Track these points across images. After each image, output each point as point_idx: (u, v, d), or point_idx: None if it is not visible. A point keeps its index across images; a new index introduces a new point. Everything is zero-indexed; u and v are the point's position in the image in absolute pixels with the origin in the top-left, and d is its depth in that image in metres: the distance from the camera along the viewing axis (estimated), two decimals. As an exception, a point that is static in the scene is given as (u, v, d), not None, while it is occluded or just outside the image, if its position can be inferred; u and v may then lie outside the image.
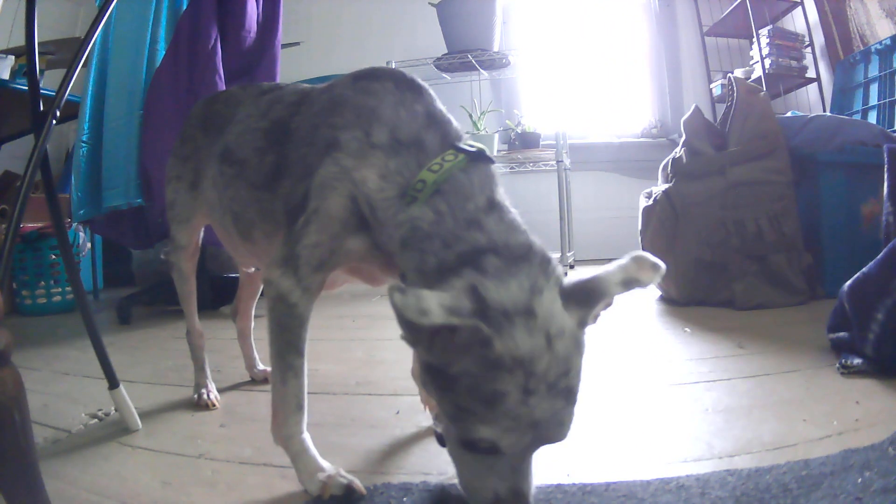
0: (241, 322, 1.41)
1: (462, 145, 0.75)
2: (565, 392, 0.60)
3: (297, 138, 0.87)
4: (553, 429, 0.61)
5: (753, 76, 3.54)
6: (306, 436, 0.82)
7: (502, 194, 0.73)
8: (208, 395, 1.21)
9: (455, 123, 0.80)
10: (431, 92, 0.84)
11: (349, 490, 0.76)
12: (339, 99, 0.83)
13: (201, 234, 1.23)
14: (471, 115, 3.35)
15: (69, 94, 1.03)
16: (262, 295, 1.31)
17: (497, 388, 0.58)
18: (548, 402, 0.59)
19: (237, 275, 1.43)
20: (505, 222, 0.68)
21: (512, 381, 0.57)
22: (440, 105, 0.82)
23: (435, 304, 0.55)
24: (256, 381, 1.39)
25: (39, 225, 2.56)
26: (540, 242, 0.67)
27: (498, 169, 0.76)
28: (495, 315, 0.58)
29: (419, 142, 0.76)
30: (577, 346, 0.62)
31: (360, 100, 0.81)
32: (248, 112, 1.02)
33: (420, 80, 0.84)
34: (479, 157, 0.74)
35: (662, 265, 0.65)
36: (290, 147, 0.88)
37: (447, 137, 0.77)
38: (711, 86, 3.87)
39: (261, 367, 1.40)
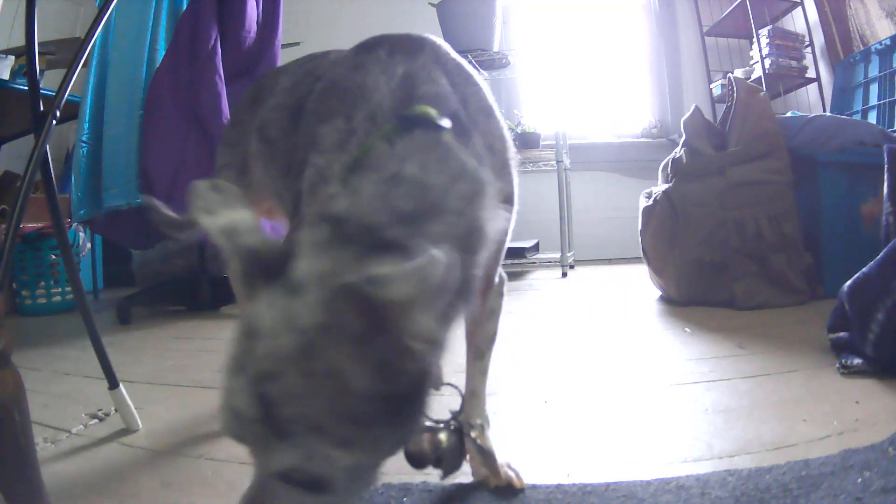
0: None
1: (410, 112, 0.64)
2: (256, 409, 0.45)
3: (302, 126, 0.80)
4: (238, 432, 0.47)
5: (753, 76, 3.54)
6: None
7: (430, 163, 0.59)
8: None
9: (440, 86, 0.68)
10: (439, 49, 0.73)
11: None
12: (331, 80, 0.76)
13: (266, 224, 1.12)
14: (471, 115, 3.35)
15: (69, 94, 1.03)
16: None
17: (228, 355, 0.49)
18: (237, 398, 0.46)
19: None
20: (380, 197, 0.54)
21: (231, 351, 0.48)
22: (438, 63, 0.71)
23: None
24: None
25: (39, 225, 2.56)
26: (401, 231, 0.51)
27: (445, 136, 0.62)
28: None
29: (373, 116, 0.65)
30: (303, 358, 0.45)
31: (347, 80, 0.71)
32: (284, 84, 0.94)
33: (428, 38, 0.75)
34: (414, 124, 0.62)
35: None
36: (298, 135, 0.80)
37: (406, 102, 0.64)
38: (711, 86, 3.87)
39: None
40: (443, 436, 0.74)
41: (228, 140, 1.11)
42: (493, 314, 0.84)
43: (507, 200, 0.76)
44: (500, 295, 0.84)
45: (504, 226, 0.69)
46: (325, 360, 0.44)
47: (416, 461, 0.72)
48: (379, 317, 0.43)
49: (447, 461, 0.73)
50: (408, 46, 0.72)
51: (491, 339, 0.85)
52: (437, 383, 0.53)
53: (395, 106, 0.64)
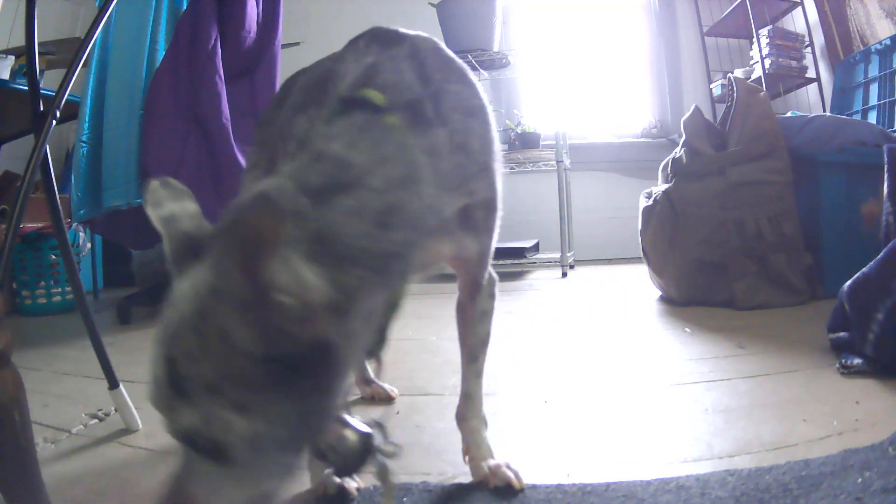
0: None
1: (352, 94, 0.65)
2: (163, 370, 0.48)
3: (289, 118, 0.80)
4: (154, 398, 0.50)
5: (753, 76, 3.54)
6: None
7: (358, 143, 0.59)
8: None
9: (402, 76, 0.68)
10: (422, 44, 0.74)
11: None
12: (316, 72, 0.77)
13: None
14: (471, 115, 3.34)
15: (69, 94, 1.03)
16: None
17: None
18: (153, 364, 0.49)
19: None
20: (297, 173, 0.56)
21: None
22: (414, 57, 0.71)
23: None
24: (364, 398, 1.20)
25: (39, 225, 2.56)
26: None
27: (388, 120, 0.62)
28: None
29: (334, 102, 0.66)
30: (198, 320, 0.48)
31: (327, 70, 0.73)
32: (301, 83, 0.93)
33: (415, 34, 0.75)
34: (353, 105, 0.63)
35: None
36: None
37: (358, 88, 0.65)
38: (711, 86, 3.87)
39: (375, 382, 1.21)
40: (350, 434, 0.70)
41: (257, 139, 1.11)
42: (484, 316, 0.84)
43: (487, 205, 0.76)
44: (492, 297, 0.84)
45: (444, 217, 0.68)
46: (216, 321, 0.46)
47: (314, 450, 0.70)
48: (262, 279, 0.45)
49: (340, 460, 0.71)
50: (387, 38, 0.73)
51: (483, 342, 0.84)
52: (344, 362, 0.53)
53: (349, 92, 0.65)
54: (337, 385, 0.53)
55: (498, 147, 0.80)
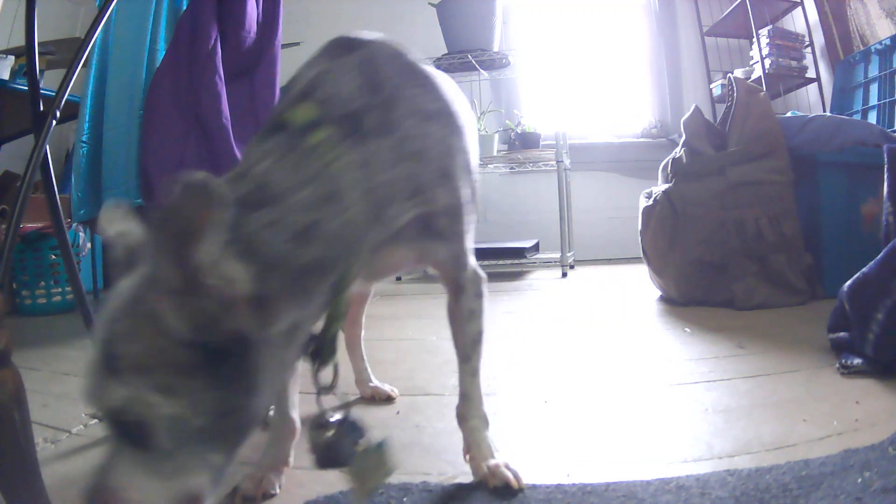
0: (352, 330, 1.24)
1: (278, 118, 0.67)
2: (98, 351, 0.52)
3: None
4: (86, 386, 0.53)
5: (753, 76, 3.55)
6: None
7: (279, 165, 0.62)
8: None
9: (343, 88, 0.68)
10: (379, 50, 0.74)
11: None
12: (289, 82, 0.78)
13: None
14: (471, 116, 3.35)
15: (69, 94, 1.03)
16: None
17: None
18: (89, 359, 0.53)
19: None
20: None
21: None
22: (367, 64, 0.71)
23: None
24: (364, 398, 1.21)
25: (39, 225, 2.56)
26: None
27: (315, 139, 0.64)
28: None
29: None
30: (132, 304, 0.52)
31: (294, 80, 0.74)
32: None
33: (374, 39, 0.75)
34: (277, 128, 0.65)
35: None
36: None
37: (297, 103, 0.67)
38: (711, 86, 3.87)
39: (375, 382, 1.22)
40: (330, 432, 0.71)
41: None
42: (472, 315, 0.84)
43: (451, 211, 0.76)
44: (479, 295, 0.84)
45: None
46: (148, 305, 0.51)
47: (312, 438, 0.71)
48: (192, 263, 0.48)
49: (320, 453, 0.73)
50: (342, 46, 0.74)
51: (476, 341, 0.84)
52: (265, 364, 0.55)
53: (284, 109, 0.68)
54: (259, 385, 0.55)
55: (466, 150, 0.79)
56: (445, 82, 0.83)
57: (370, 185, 0.66)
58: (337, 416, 0.71)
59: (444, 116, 0.76)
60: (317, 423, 0.70)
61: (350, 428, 0.70)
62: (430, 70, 0.81)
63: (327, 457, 0.75)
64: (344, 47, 0.74)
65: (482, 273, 0.85)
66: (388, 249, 0.72)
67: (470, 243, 0.82)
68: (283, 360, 0.60)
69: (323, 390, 0.69)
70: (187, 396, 0.51)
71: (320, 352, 0.67)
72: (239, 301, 0.52)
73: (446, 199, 0.75)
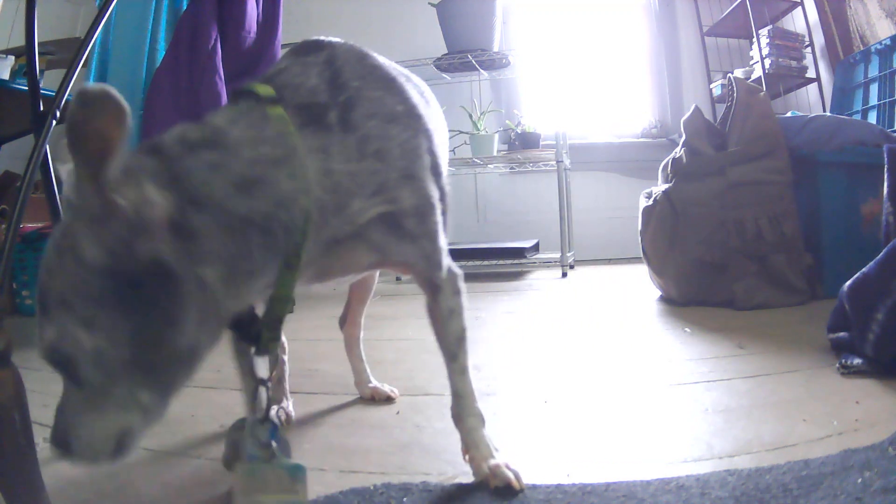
0: (350, 329, 1.25)
1: (243, 87, 0.69)
2: (37, 293, 0.54)
3: None
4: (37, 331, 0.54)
5: (753, 76, 3.55)
6: None
7: (239, 122, 0.64)
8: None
9: (303, 80, 0.70)
10: (343, 54, 0.75)
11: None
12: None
13: None
14: (471, 116, 3.35)
15: (69, 94, 1.03)
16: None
17: None
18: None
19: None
20: (180, 132, 0.62)
21: None
22: (328, 64, 0.73)
23: None
24: (364, 399, 1.21)
25: (39, 225, 2.56)
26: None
27: (273, 111, 0.65)
28: None
29: None
30: (59, 238, 0.53)
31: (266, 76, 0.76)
32: None
33: (342, 44, 0.77)
34: (240, 96, 0.68)
35: None
36: None
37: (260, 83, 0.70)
38: (711, 86, 3.87)
39: (374, 383, 1.22)
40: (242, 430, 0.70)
41: None
42: (452, 313, 0.83)
43: (417, 211, 0.75)
44: (457, 293, 0.84)
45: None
46: (70, 236, 0.51)
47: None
48: (106, 182, 0.49)
49: (225, 451, 0.73)
50: (306, 48, 0.76)
51: (460, 339, 0.84)
52: (187, 297, 0.55)
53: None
54: (181, 320, 0.55)
55: (434, 152, 0.79)
56: (415, 86, 0.83)
57: (327, 168, 0.66)
58: (251, 417, 0.68)
59: (410, 118, 0.76)
60: (240, 422, 0.70)
61: (254, 432, 0.66)
62: (398, 73, 0.81)
63: (226, 456, 0.74)
64: (309, 48, 0.75)
65: (458, 270, 0.84)
66: (347, 246, 0.72)
67: (443, 242, 0.80)
68: (217, 307, 0.58)
69: (260, 382, 0.67)
70: (107, 328, 0.51)
71: (259, 335, 0.66)
72: (156, 226, 0.52)
73: (413, 200, 0.74)
